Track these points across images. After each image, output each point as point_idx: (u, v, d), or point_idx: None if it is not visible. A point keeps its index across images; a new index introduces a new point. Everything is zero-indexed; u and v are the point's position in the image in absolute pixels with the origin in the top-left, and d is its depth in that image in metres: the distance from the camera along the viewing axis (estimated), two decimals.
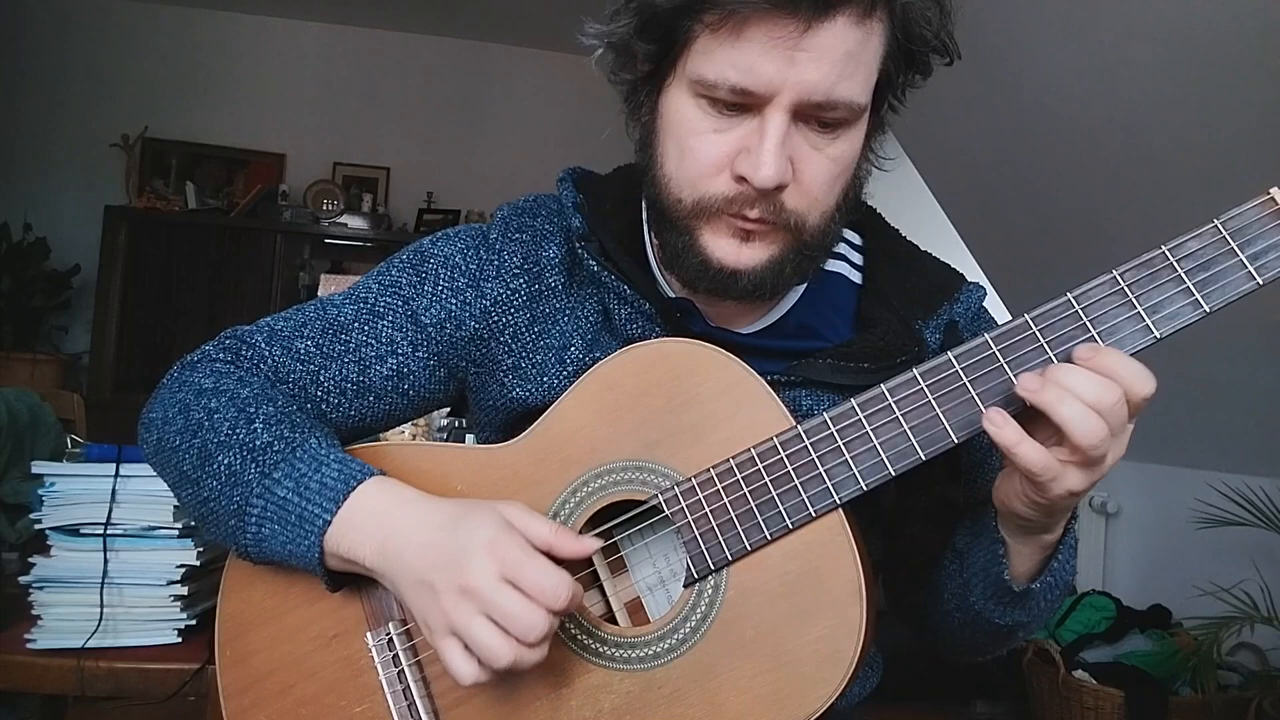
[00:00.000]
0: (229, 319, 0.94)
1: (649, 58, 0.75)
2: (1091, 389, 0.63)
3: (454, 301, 0.85)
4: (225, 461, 0.77)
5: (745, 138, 0.71)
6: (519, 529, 0.69)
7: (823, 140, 0.72)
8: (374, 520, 0.73)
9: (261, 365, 0.84)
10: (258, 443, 0.76)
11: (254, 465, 0.76)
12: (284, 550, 0.75)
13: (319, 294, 0.95)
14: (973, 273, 3.08)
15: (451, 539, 0.69)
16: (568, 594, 0.66)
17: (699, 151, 0.73)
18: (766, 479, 0.71)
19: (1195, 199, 2.19)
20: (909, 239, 0.92)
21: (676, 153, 0.75)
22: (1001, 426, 0.65)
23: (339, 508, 0.73)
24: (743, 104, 0.71)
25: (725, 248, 0.75)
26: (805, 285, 0.86)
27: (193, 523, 1.34)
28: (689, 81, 0.72)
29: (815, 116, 0.71)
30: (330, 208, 4.90)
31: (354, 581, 0.78)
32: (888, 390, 0.70)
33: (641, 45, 0.74)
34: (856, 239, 0.91)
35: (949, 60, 0.77)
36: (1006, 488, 0.70)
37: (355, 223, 4.86)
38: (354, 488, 0.74)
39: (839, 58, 0.68)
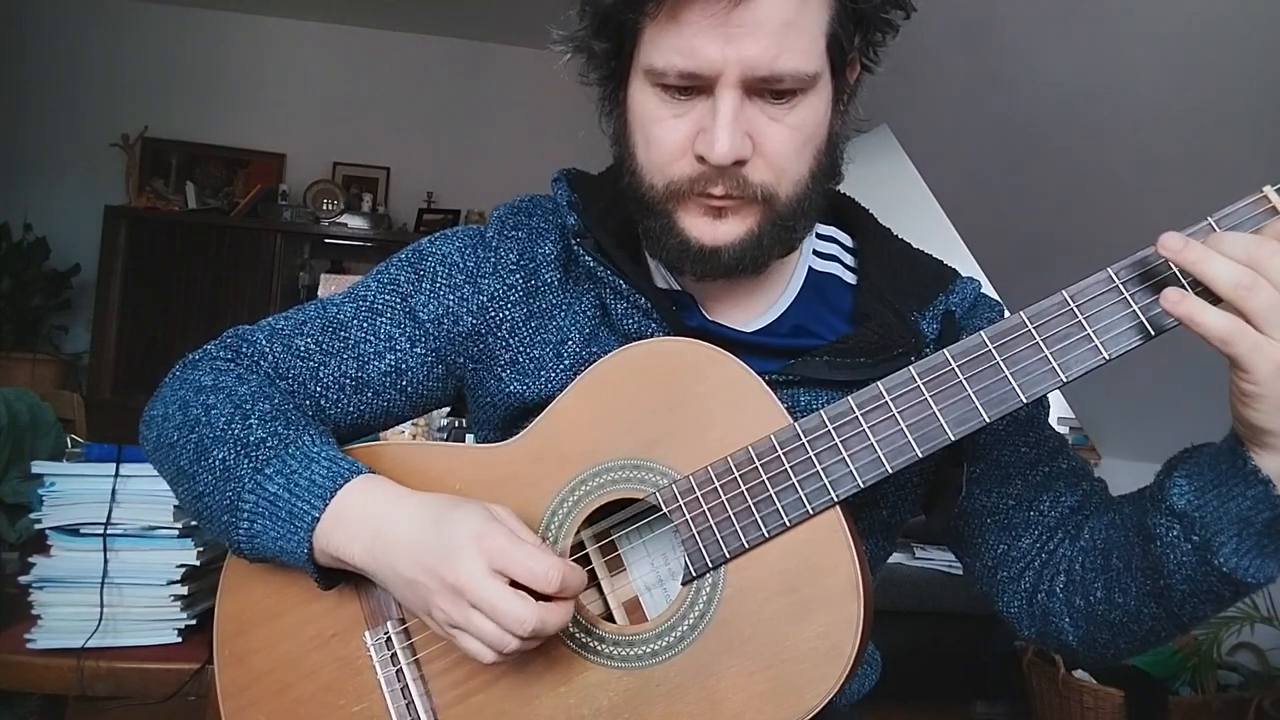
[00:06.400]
0: (229, 319, 0.94)
1: (608, 55, 0.77)
2: (1240, 244, 0.61)
3: (452, 298, 0.85)
4: (220, 456, 0.77)
5: (701, 118, 0.73)
6: (504, 522, 0.70)
7: (780, 110, 0.73)
8: (361, 519, 0.73)
9: (262, 362, 0.85)
10: (252, 438, 0.77)
11: (247, 461, 0.76)
12: (275, 547, 0.75)
13: (319, 294, 0.96)
14: (971, 273, 3.09)
15: (438, 536, 0.69)
16: (558, 576, 0.66)
17: (661, 138, 0.75)
18: (764, 477, 0.71)
19: (1195, 199, 2.19)
20: (901, 238, 0.92)
21: (643, 142, 0.77)
22: (1179, 302, 0.62)
23: (326, 505, 0.73)
24: (694, 86, 0.72)
25: (700, 227, 0.77)
26: (801, 286, 0.87)
27: (191, 520, 1.34)
28: (643, 72, 0.74)
29: (766, 89, 0.72)
30: (330, 208, 4.90)
31: (351, 580, 0.78)
32: (885, 389, 0.70)
33: (598, 44, 0.77)
34: (848, 240, 0.91)
35: (905, 15, 0.77)
36: (1232, 398, 0.64)
37: (355, 223, 4.86)
38: (341, 485, 0.74)
39: (776, 29, 0.69)
